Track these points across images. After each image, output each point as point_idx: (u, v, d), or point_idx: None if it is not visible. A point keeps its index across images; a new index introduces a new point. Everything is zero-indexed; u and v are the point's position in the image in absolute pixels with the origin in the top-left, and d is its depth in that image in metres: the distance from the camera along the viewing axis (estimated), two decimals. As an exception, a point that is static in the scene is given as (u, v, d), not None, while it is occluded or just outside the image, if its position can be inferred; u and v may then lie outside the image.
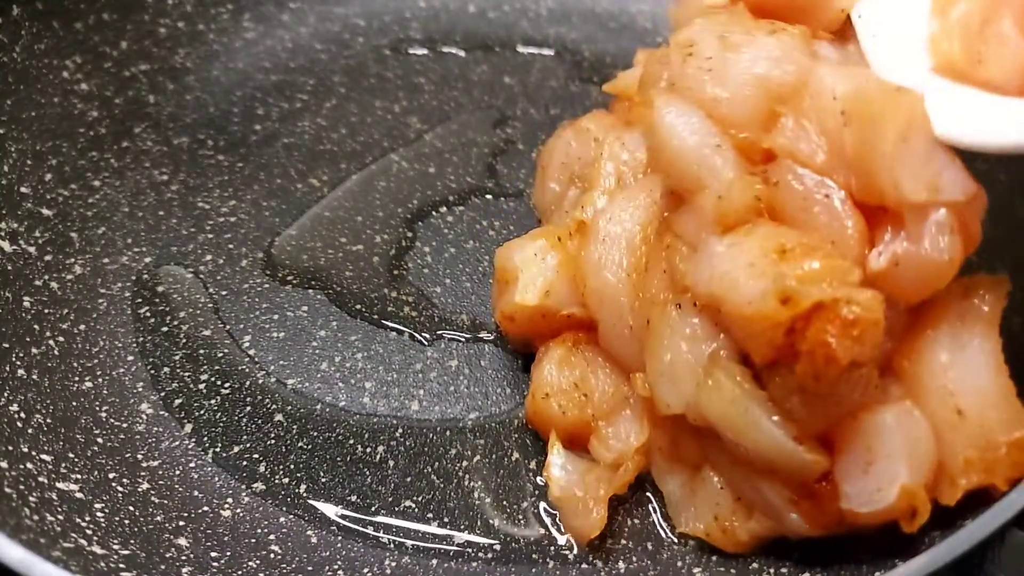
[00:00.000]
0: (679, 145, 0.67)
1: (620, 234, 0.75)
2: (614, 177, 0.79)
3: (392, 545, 0.74)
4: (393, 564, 0.73)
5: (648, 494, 0.76)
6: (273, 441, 0.79)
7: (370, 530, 0.75)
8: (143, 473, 0.76)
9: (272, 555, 0.73)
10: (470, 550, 0.74)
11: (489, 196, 0.98)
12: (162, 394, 0.82)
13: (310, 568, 0.72)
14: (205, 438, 0.79)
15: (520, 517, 0.76)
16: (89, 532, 0.70)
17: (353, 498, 0.76)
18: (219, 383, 0.83)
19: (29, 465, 0.73)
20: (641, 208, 0.74)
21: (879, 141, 0.61)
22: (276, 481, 0.77)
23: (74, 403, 0.79)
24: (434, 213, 0.96)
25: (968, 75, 0.64)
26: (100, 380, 0.82)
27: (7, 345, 0.80)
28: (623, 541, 0.74)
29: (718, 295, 0.63)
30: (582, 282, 0.76)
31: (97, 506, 0.72)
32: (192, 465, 0.78)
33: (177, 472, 0.77)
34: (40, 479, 0.72)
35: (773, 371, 0.63)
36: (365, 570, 0.72)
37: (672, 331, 0.67)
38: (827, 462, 0.63)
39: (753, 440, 0.63)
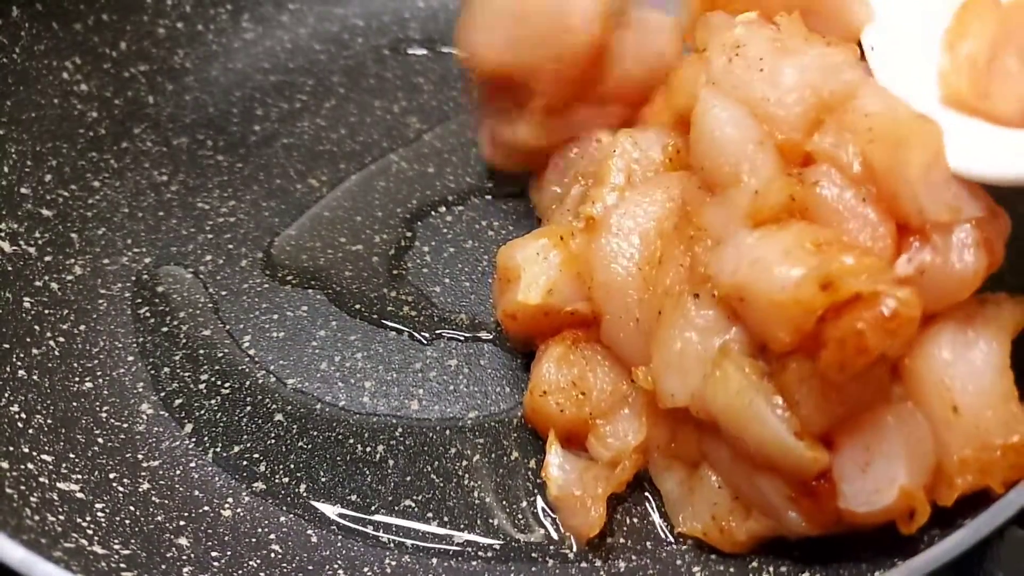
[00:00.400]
0: (721, 137, 0.68)
1: (634, 228, 0.75)
2: (624, 174, 0.79)
3: (392, 544, 0.74)
4: (393, 563, 0.73)
5: (647, 493, 0.76)
6: (273, 441, 0.80)
7: (370, 529, 0.75)
8: (143, 473, 0.77)
9: (272, 554, 0.73)
10: (470, 549, 0.74)
11: (488, 196, 0.98)
12: (162, 394, 0.82)
13: (310, 567, 0.72)
14: (205, 438, 0.79)
15: (520, 516, 0.76)
16: (90, 532, 0.70)
17: (353, 497, 0.77)
18: (219, 383, 0.83)
19: (30, 465, 0.73)
20: (658, 203, 0.75)
21: (904, 167, 0.63)
22: (276, 481, 0.77)
23: (74, 403, 0.80)
24: (433, 213, 0.96)
25: (975, 108, 0.67)
26: (100, 380, 0.82)
27: (7, 346, 0.80)
28: (622, 540, 0.74)
29: (745, 282, 0.63)
30: (589, 276, 0.76)
31: (98, 506, 0.73)
32: (192, 465, 0.78)
33: (177, 472, 0.77)
34: (41, 479, 0.72)
35: (788, 360, 0.63)
36: (365, 569, 0.73)
37: (686, 321, 0.68)
38: (826, 459, 0.63)
39: (755, 433, 0.63)
